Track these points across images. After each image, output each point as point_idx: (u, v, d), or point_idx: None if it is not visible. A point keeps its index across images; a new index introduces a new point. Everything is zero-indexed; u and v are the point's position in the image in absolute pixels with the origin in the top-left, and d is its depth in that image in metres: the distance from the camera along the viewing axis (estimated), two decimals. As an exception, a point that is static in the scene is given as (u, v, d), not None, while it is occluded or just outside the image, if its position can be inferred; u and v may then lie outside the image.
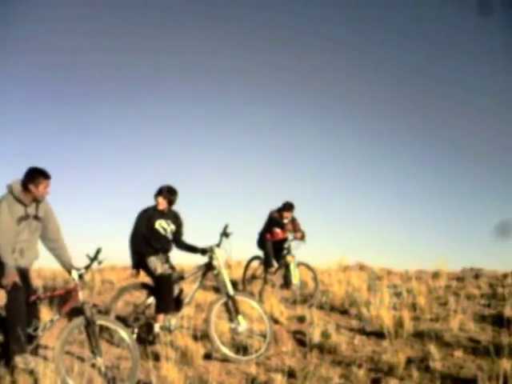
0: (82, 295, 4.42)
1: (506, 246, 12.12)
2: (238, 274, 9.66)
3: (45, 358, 4.67)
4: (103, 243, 4.65)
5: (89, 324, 4.33)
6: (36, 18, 18.07)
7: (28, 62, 19.58)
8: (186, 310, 7.03)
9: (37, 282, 8.09)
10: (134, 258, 5.87)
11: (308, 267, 8.39)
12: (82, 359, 4.75)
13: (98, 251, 4.58)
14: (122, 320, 5.95)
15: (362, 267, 11.72)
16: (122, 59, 19.85)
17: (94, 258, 4.56)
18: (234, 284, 9.50)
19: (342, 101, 21.54)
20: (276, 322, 6.79)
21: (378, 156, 21.01)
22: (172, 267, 6.00)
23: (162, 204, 5.96)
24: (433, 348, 5.39)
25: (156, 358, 5.08)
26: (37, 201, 4.60)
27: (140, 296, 6.73)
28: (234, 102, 21.22)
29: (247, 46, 20.51)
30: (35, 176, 4.49)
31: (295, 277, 8.15)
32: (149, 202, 6.03)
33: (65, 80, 20.36)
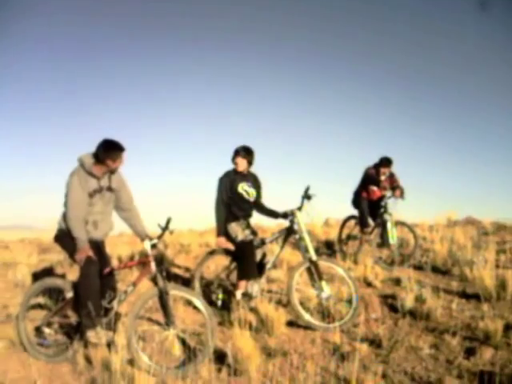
0: (154, 265, 4.39)
1: None
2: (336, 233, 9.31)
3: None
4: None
5: (162, 295, 4.29)
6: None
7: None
8: (276, 273, 6.91)
9: (116, 250, 8.34)
10: (219, 226, 5.72)
11: (406, 226, 7.88)
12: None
13: (169, 220, 4.50)
14: (209, 285, 5.97)
15: (471, 222, 10.87)
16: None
17: (165, 228, 4.50)
18: (331, 244, 9.27)
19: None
20: (369, 285, 6.46)
21: (486, 108, 19.32)
22: (254, 232, 5.81)
23: (242, 165, 5.70)
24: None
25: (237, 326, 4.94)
26: (110, 172, 4.62)
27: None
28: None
29: None
30: (112, 150, 4.48)
31: (392, 236, 7.67)
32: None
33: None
